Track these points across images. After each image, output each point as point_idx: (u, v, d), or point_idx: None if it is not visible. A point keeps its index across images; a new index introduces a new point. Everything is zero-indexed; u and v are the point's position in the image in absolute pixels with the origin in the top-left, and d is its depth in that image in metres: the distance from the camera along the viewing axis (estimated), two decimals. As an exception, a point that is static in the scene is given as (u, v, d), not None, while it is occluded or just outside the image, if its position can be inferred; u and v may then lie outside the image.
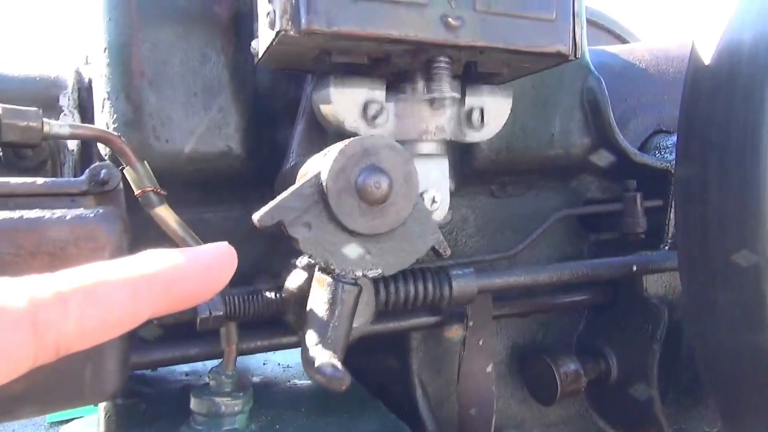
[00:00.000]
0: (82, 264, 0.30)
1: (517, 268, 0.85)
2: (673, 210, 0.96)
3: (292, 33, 0.52)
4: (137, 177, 0.62)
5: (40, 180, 0.45)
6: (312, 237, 0.51)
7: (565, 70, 0.92)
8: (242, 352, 0.72)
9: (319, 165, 0.53)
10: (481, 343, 0.82)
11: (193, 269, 0.33)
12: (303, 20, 0.51)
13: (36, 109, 0.54)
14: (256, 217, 0.50)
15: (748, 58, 0.65)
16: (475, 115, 0.60)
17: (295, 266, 0.59)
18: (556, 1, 0.59)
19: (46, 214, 0.41)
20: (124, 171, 0.62)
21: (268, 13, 0.54)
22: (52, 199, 0.45)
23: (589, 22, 1.76)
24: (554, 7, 0.59)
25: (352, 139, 0.52)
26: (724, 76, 0.68)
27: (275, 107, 0.77)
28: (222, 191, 0.76)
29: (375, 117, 0.56)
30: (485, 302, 0.81)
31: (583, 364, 0.92)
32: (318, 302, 0.52)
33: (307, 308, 0.53)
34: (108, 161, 0.65)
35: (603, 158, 0.98)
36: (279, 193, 0.51)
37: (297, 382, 0.95)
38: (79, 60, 0.80)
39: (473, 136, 0.62)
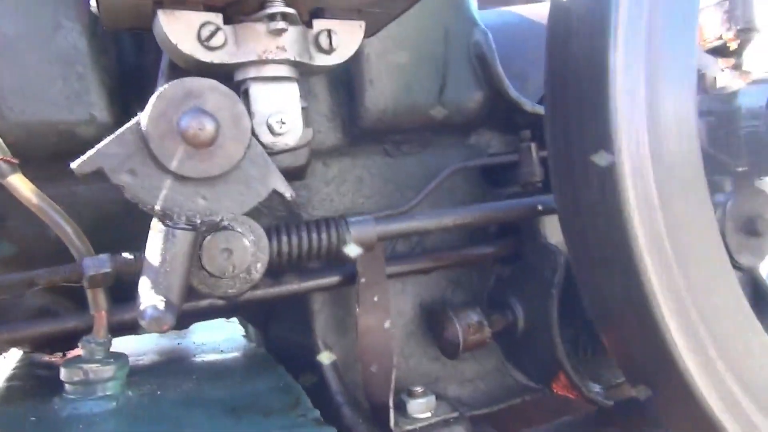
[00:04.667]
0: None
1: (419, 214, 0.85)
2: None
3: (108, -20, 0.51)
4: (-18, 145, 0.61)
5: None
6: (138, 183, 0.50)
7: (450, 25, 0.92)
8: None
9: (146, 112, 0.52)
10: (376, 299, 0.82)
11: None
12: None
13: None
14: (74, 165, 0.49)
15: None
16: (323, 38, 0.59)
17: None
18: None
19: None
20: (-31, 141, 0.61)
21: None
22: None
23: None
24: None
25: (173, 81, 0.51)
26: None
27: (144, 73, 0.76)
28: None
29: (209, 38, 0.54)
30: (376, 257, 0.81)
31: (488, 316, 0.92)
32: (152, 249, 0.51)
33: (144, 256, 0.52)
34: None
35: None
36: None
37: (205, 356, 0.94)
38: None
39: (322, 60, 0.60)
